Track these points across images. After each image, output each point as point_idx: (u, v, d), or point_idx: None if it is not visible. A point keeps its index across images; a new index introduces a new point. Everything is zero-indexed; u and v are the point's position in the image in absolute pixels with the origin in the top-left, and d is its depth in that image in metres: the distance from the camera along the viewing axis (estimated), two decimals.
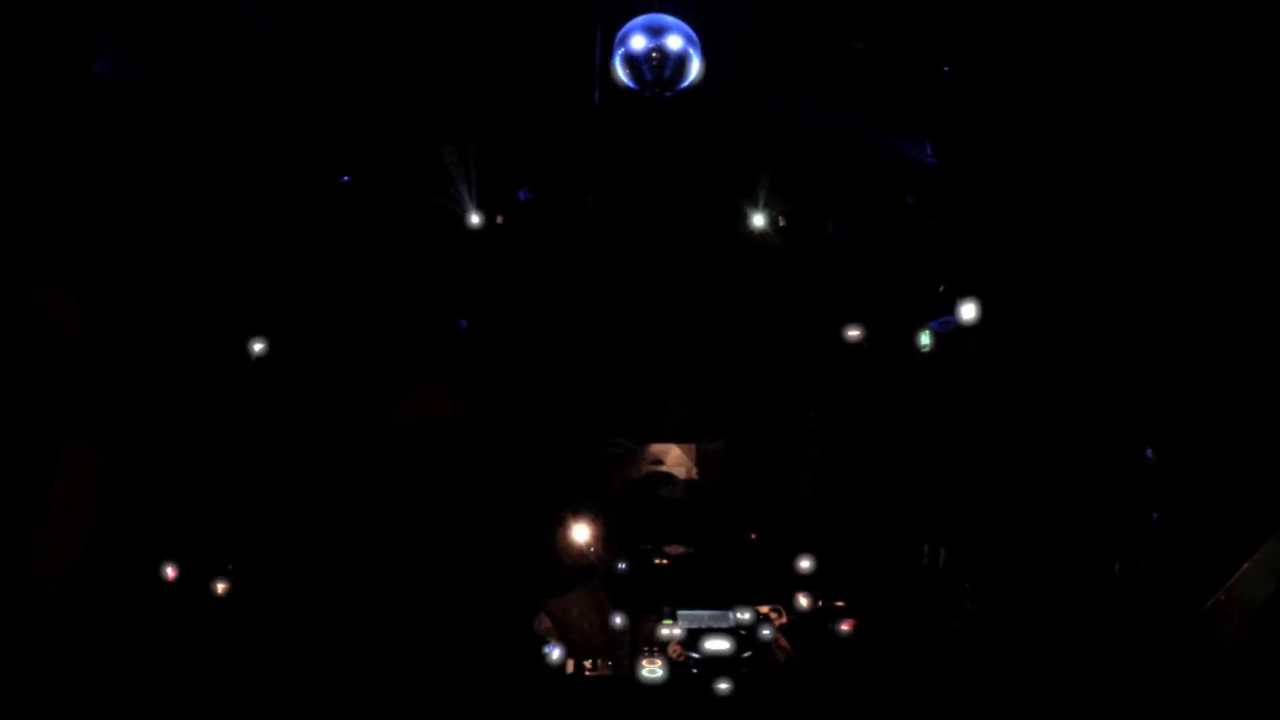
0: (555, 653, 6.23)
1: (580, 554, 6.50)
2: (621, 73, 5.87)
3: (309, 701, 5.92)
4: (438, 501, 6.59)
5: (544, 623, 6.34)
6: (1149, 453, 5.78)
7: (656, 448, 7.16)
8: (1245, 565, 5.00)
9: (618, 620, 6.33)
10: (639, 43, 5.79)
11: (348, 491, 6.60)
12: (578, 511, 6.56)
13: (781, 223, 7.04)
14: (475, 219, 6.85)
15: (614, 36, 5.90)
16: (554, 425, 7.05)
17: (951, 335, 6.53)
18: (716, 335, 7.23)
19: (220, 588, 6.04)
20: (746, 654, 6.07)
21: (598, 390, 7.13)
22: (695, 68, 5.84)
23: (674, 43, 5.79)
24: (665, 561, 6.79)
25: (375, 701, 5.97)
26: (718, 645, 6.24)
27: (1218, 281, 5.59)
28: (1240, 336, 5.48)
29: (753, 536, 6.87)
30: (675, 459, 7.18)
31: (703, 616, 6.40)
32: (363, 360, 6.86)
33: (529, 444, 6.99)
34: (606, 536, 6.60)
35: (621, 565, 6.69)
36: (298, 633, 6.12)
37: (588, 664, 6.25)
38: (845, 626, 6.08)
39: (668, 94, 5.94)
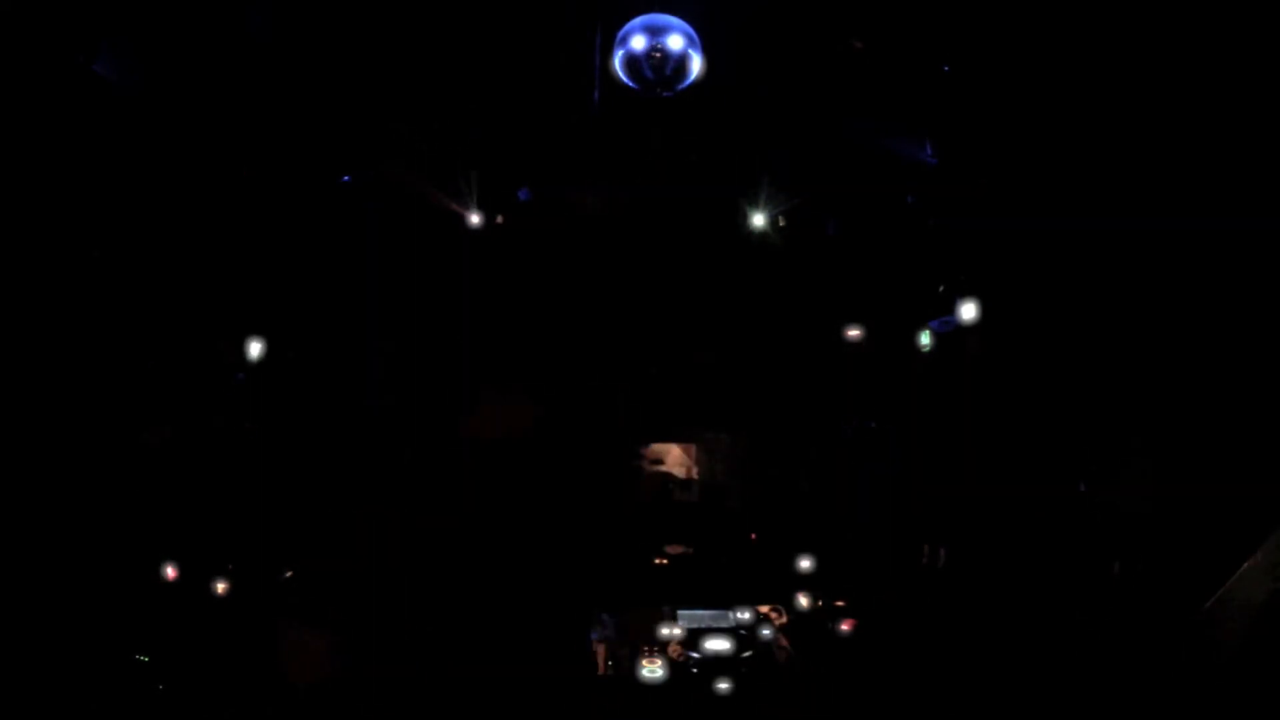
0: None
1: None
2: (622, 72, 5.87)
3: (309, 701, 5.92)
4: (438, 500, 6.59)
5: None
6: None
7: (657, 447, 7.16)
8: (1245, 565, 5.01)
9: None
10: (639, 42, 5.79)
11: (346, 491, 6.61)
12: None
13: (781, 223, 7.03)
14: (475, 219, 6.85)
15: (614, 36, 5.90)
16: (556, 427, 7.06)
17: (951, 335, 6.53)
18: (717, 335, 7.23)
19: (220, 588, 6.03)
20: (746, 654, 6.07)
21: (599, 389, 7.13)
22: (695, 67, 5.84)
23: (674, 42, 5.80)
24: (665, 561, 6.79)
25: (374, 701, 5.97)
26: (718, 645, 6.24)
27: (1218, 279, 5.59)
28: (1241, 334, 5.49)
29: (753, 537, 6.87)
30: (675, 459, 7.18)
31: (703, 616, 6.40)
32: (363, 360, 6.87)
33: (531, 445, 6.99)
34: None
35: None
36: (297, 632, 6.13)
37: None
38: (845, 626, 6.08)
39: (668, 94, 5.94)
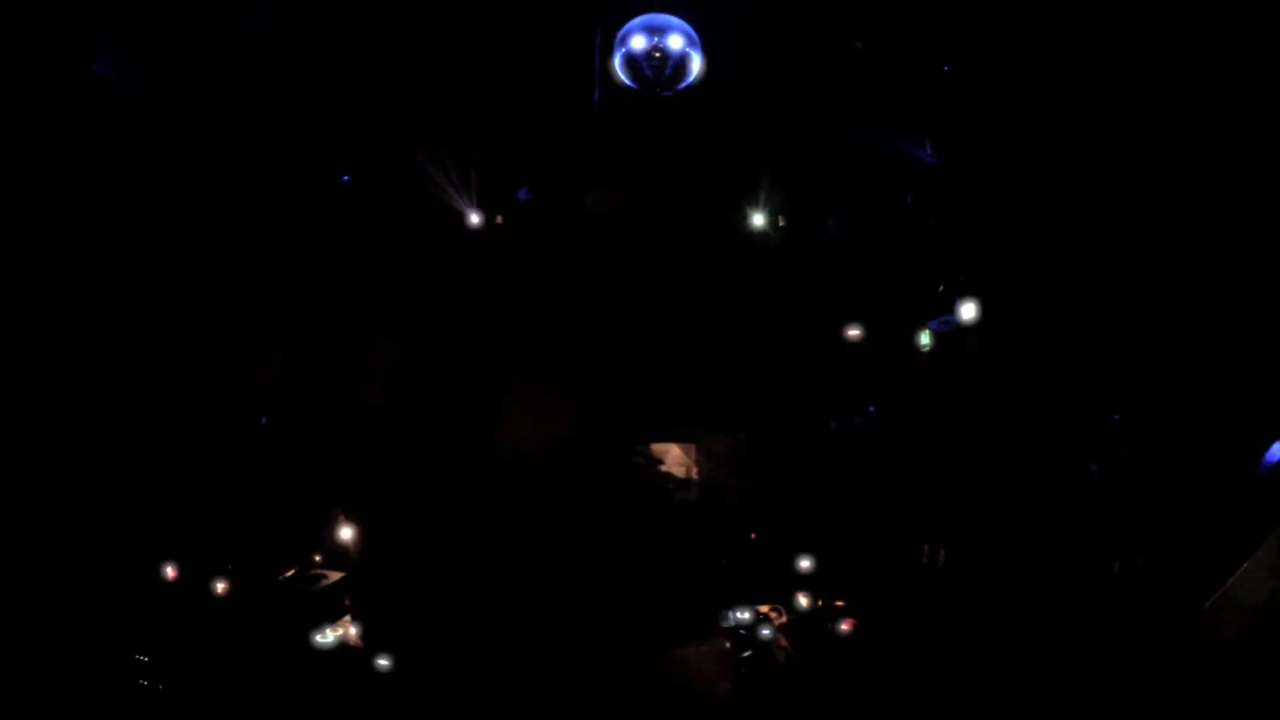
0: None
1: None
2: (622, 72, 5.88)
3: (309, 701, 5.92)
4: (439, 501, 6.60)
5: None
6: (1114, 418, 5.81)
7: (656, 447, 7.16)
8: (1244, 565, 5.01)
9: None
10: (639, 42, 5.80)
11: (346, 491, 6.61)
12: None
13: (781, 223, 7.03)
14: (475, 219, 6.85)
15: (614, 36, 5.91)
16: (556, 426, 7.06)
17: (951, 335, 6.54)
18: (717, 335, 7.23)
19: (220, 588, 6.04)
20: (746, 654, 6.07)
21: (599, 388, 7.13)
22: (695, 67, 5.85)
23: (674, 42, 5.80)
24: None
25: (374, 700, 5.98)
26: None
27: (1215, 276, 5.60)
28: (1239, 332, 5.50)
29: (753, 536, 6.87)
30: (675, 458, 7.18)
31: None
32: (363, 360, 6.88)
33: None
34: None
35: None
36: (297, 632, 6.13)
37: None
38: (845, 626, 6.08)
39: (668, 93, 5.94)
